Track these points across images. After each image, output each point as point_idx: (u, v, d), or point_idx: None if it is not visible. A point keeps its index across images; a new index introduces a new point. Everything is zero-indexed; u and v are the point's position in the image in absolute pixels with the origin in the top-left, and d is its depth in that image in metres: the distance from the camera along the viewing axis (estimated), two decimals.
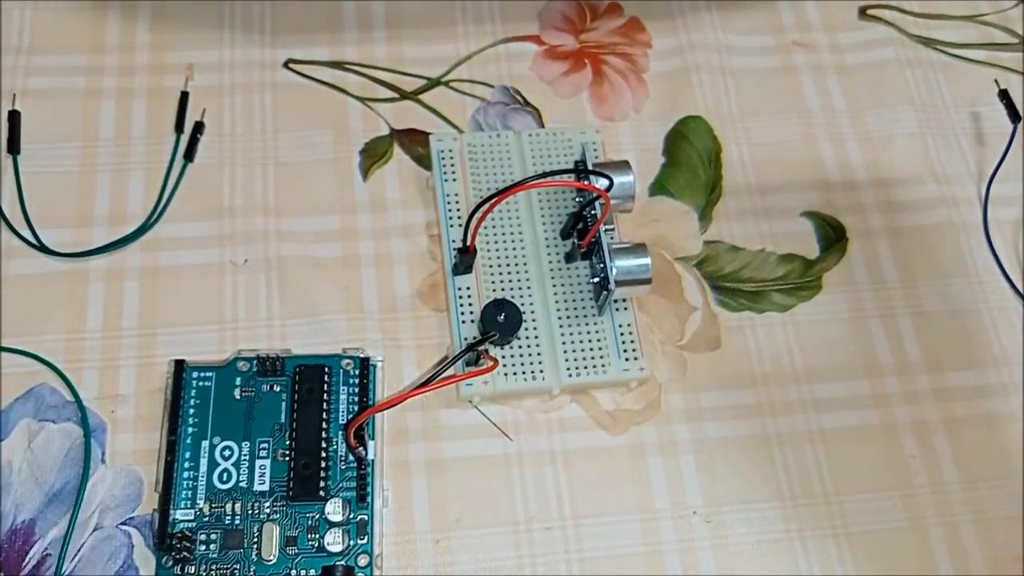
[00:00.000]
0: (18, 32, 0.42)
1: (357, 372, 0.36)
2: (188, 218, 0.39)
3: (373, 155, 0.41)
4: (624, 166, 0.37)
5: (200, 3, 0.44)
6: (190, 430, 0.34)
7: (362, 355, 0.36)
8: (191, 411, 0.35)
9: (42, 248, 0.38)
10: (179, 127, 0.41)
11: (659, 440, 0.36)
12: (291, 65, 0.43)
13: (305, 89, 0.42)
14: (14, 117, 0.40)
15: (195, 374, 0.35)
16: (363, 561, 0.33)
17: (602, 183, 0.36)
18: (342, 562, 0.33)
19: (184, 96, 0.41)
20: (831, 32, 0.46)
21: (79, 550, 0.33)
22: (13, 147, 0.39)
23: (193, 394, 0.35)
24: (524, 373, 0.36)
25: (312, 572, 0.33)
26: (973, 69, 0.45)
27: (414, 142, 0.41)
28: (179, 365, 0.35)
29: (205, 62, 0.42)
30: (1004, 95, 0.43)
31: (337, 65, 0.43)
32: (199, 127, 0.41)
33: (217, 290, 0.38)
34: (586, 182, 0.37)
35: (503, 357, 0.36)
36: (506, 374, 0.36)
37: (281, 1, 0.44)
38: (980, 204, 0.42)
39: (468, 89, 0.43)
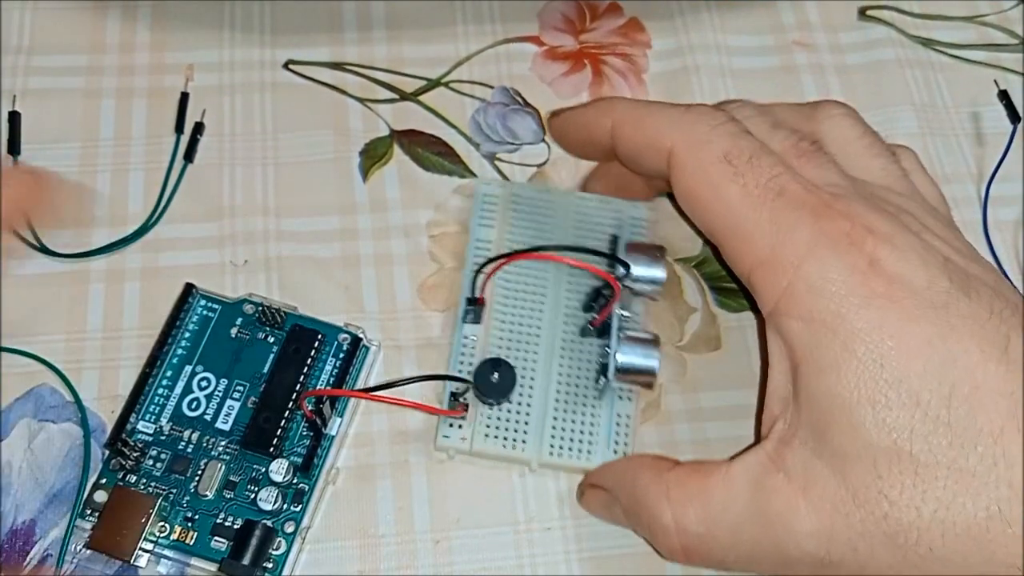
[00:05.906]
0: (18, 32, 0.42)
1: (348, 349, 0.36)
2: (188, 218, 0.39)
3: (373, 156, 0.41)
4: (655, 253, 0.35)
5: (200, 3, 0.44)
6: (179, 351, 0.35)
7: (360, 334, 0.36)
8: (186, 334, 0.35)
9: (42, 248, 0.38)
10: (179, 128, 0.41)
11: (659, 440, 0.36)
12: (291, 66, 0.43)
13: (305, 89, 0.42)
14: (14, 118, 0.40)
15: (202, 302, 0.36)
16: (289, 528, 0.33)
17: (619, 270, 0.34)
18: (268, 522, 0.33)
19: (184, 97, 0.41)
20: (831, 32, 0.46)
21: (79, 551, 0.33)
22: (13, 148, 0.39)
23: (194, 319, 0.36)
24: (505, 439, 0.34)
25: (238, 521, 0.33)
26: (973, 70, 0.45)
27: (414, 143, 0.41)
28: (189, 288, 0.36)
29: (205, 62, 0.42)
30: (1004, 96, 0.43)
31: (337, 66, 0.43)
32: (199, 128, 0.41)
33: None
34: (594, 264, 0.35)
35: (490, 417, 0.35)
36: (486, 435, 0.34)
37: (281, 1, 0.44)
38: (980, 204, 0.42)
39: (468, 90, 0.43)
